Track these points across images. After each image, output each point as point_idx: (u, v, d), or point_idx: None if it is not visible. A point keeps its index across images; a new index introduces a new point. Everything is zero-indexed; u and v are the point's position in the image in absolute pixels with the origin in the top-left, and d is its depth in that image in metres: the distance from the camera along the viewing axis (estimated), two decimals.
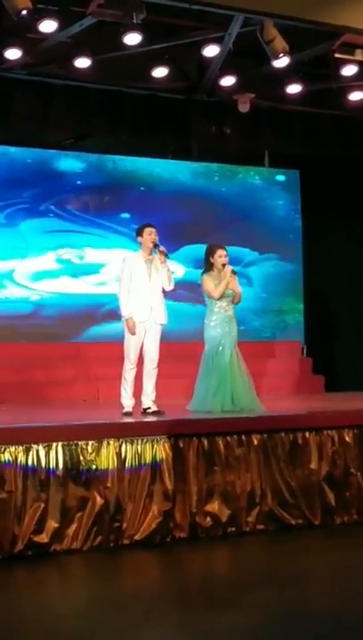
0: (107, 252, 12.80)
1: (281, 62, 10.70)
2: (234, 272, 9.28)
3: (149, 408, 8.86)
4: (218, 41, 10.99)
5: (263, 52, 10.41)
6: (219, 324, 9.21)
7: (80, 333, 12.55)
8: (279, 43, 10.23)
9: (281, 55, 10.38)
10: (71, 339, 12.43)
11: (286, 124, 12.98)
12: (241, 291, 9.38)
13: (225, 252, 9.32)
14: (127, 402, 8.86)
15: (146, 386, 8.95)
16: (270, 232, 13.84)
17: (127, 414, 8.74)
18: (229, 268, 9.24)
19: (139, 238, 9.02)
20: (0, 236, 12.26)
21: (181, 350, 10.66)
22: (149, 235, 8.95)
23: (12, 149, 12.41)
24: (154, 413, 8.77)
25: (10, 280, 12.28)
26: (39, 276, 12.47)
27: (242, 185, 13.84)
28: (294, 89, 11.94)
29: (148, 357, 8.93)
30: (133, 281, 8.87)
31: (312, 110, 12.70)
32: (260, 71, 11.54)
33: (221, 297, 9.21)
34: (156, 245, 8.96)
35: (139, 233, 9.05)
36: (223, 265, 9.24)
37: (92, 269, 12.76)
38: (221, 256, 9.28)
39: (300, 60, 11.33)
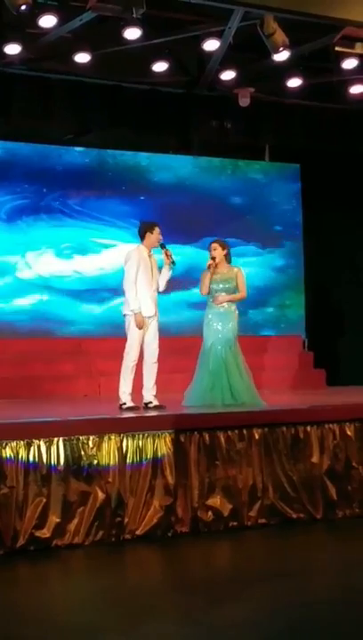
0: (108, 246, 12.79)
1: (281, 56, 10.68)
2: (208, 267, 9.24)
3: (151, 402, 8.87)
4: (218, 35, 10.96)
5: (264, 46, 10.39)
6: (212, 319, 9.23)
7: (83, 328, 12.54)
8: (280, 36, 10.20)
9: (281, 49, 10.35)
10: (73, 334, 12.43)
11: (287, 118, 12.95)
12: (242, 286, 9.38)
13: (214, 246, 9.33)
14: (128, 397, 8.86)
15: (147, 381, 8.96)
16: (271, 226, 13.84)
17: (131, 409, 8.73)
18: (208, 262, 9.27)
19: (148, 234, 9.03)
20: (1, 232, 12.25)
21: (180, 345, 10.64)
22: (159, 234, 9.06)
23: (13, 145, 12.40)
24: (155, 408, 8.78)
25: (12, 275, 12.28)
26: (41, 270, 12.48)
27: (243, 179, 13.83)
28: (294, 83, 11.92)
29: (149, 352, 8.95)
30: (139, 275, 8.89)
31: (313, 104, 12.67)
32: (260, 65, 11.52)
33: (210, 292, 9.23)
34: (162, 246, 9.02)
35: (149, 229, 9.05)
36: (213, 259, 9.28)
37: (93, 263, 12.76)
38: (210, 250, 9.33)
39: (300, 54, 11.32)
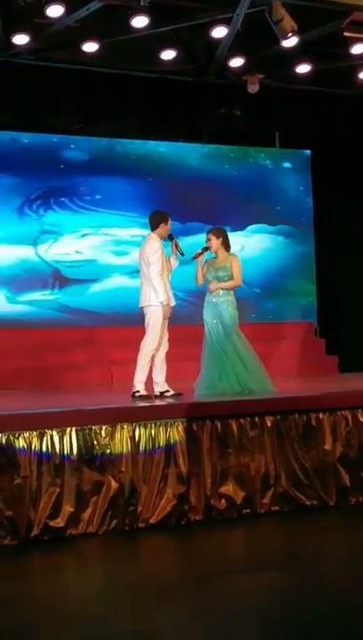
0: (118, 234, 12.80)
1: (290, 42, 10.66)
2: (194, 257, 9.18)
3: (168, 391, 8.90)
4: (226, 22, 10.94)
5: (272, 33, 10.37)
6: (207, 308, 9.20)
7: (95, 318, 12.57)
8: (288, 22, 10.19)
9: (290, 35, 10.34)
10: (85, 324, 12.46)
11: (296, 104, 12.94)
12: (237, 273, 9.20)
13: (208, 237, 9.27)
14: (143, 385, 8.88)
15: (163, 371, 8.97)
16: (282, 214, 13.81)
17: (143, 397, 8.74)
18: (195, 253, 9.24)
19: (162, 224, 9.01)
20: (12, 222, 12.27)
21: (189, 333, 10.60)
22: (169, 226, 9.05)
23: (22, 135, 12.41)
24: (173, 396, 8.81)
25: (24, 265, 12.31)
26: (52, 259, 12.50)
27: (253, 167, 13.80)
28: (303, 69, 11.90)
29: (163, 343, 8.96)
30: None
31: (322, 90, 12.64)
32: (269, 51, 11.50)
33: (206, 281, 9.18)
34: (171, 237, 9.05)
35: (164, 220, 9.03)
36: (206, 249, 9.24)
37: (104, 252, 12.77)
38: (205, 241, 9.29)
39: (309, 40, 11.28)
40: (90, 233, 12.73)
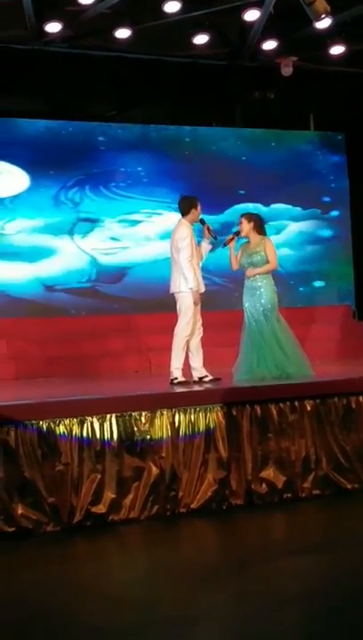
0: (155, 221, 12.80)
1: (323, 24, 10.59)
2: (225, 244, 9.14)
3: (207, 376, 8.88)
4: (258, 5, 10.88)
5: (305, 14, 10.29)
6: (246, 293, 9.15)
7: (131, 305, 12.59)
8: (321, 4, 10.11)
9: (323, 16, 10.27)
10: (121, 311, 12.49)
11: (331, 85, 12.84)
12: (272, 258, 9.12)
13: (240, 220, 9.22)
14: (180, 372, 8.87)
15: (199, 356, 8.96)
16: (318, 196, 13.74)
17: (182, 383, 8.73)
18: (228, 237, 9.21)
19: (193, 210, 8.98)
20: (48, 211, 12.32)
21: (227, 318, 10.59)
22: (199, 211, 9.01)
23: (56, 123, 12.43)
24: (211, 381, 8.80)
25: (60, 253, 12.35)
26: (88, 247, 12.53)
27: (288, 149, 13.73)
28: (337, 50, 11.81)
29: (197, 328, 8.94)
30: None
31: (357, 71, 12.54)
32: (302, 33, 11.42)
33: (241, 267, 9.15)
34: (203, 222, 9.04)
35: (194, 205, 8.99)
36: (237, 233, 9.20)
37: (140, 239, 12.78)
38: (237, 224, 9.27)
39: (342, 21, 11.19)
40: (126, 220, 12.74)
